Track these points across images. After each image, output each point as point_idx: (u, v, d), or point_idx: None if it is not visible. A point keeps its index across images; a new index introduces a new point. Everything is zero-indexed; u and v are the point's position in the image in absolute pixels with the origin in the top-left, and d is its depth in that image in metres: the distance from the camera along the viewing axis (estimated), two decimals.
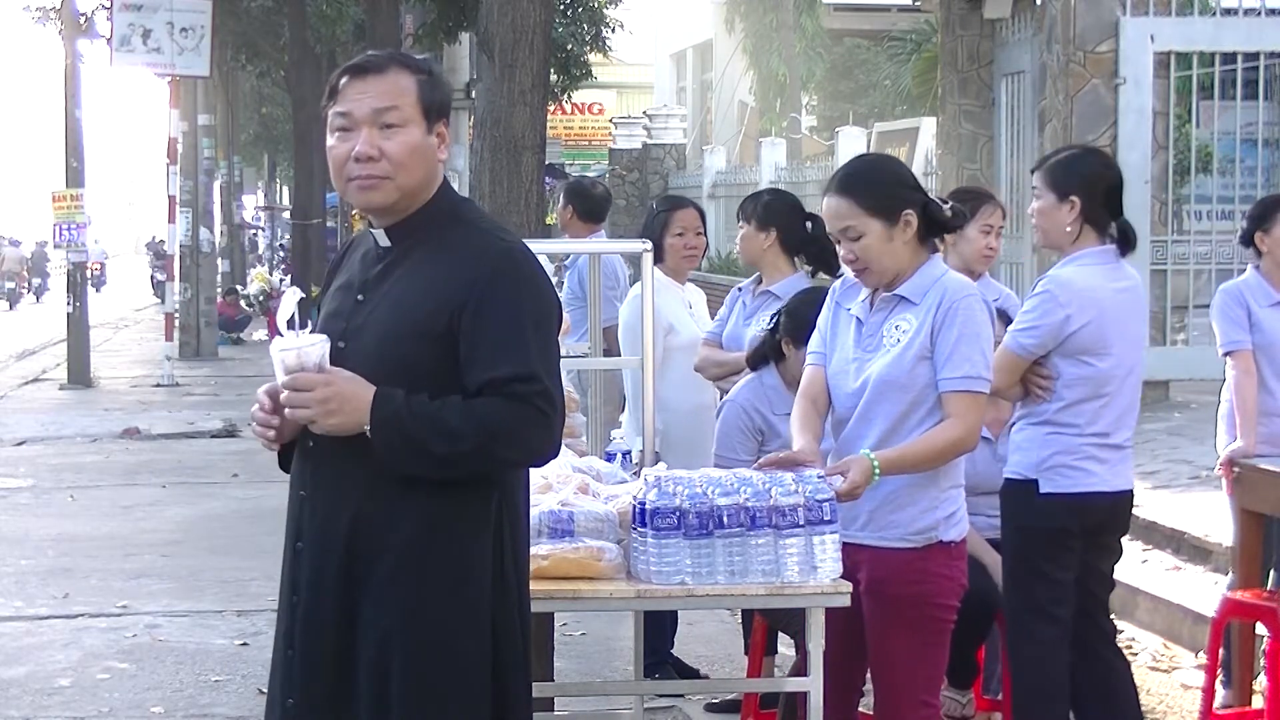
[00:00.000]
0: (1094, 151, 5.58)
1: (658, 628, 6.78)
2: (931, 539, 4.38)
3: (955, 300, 4.34)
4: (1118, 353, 5.20)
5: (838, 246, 4.51)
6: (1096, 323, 5.16)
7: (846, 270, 4.59)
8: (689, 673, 6.92)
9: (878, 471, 4.27)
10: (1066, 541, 5.21)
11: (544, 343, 3.44)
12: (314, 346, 3.41)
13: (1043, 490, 5.17)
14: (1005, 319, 5.70)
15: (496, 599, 3.45)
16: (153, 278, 45.66)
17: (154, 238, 50.86)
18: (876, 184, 4.46)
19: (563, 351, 5.73)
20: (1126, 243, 5.28)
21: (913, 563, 4.37)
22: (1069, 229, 5.24)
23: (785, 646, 6.55)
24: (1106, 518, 5.27)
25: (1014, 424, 5.38)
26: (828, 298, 4.67)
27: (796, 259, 6.52)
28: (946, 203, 4.54)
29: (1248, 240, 6.46)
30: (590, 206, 8.56)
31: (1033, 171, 5.42)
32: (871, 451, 4.30)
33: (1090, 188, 5.23)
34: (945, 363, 4.33)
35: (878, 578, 4.35)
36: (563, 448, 4.79)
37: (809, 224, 6.46)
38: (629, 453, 5.27)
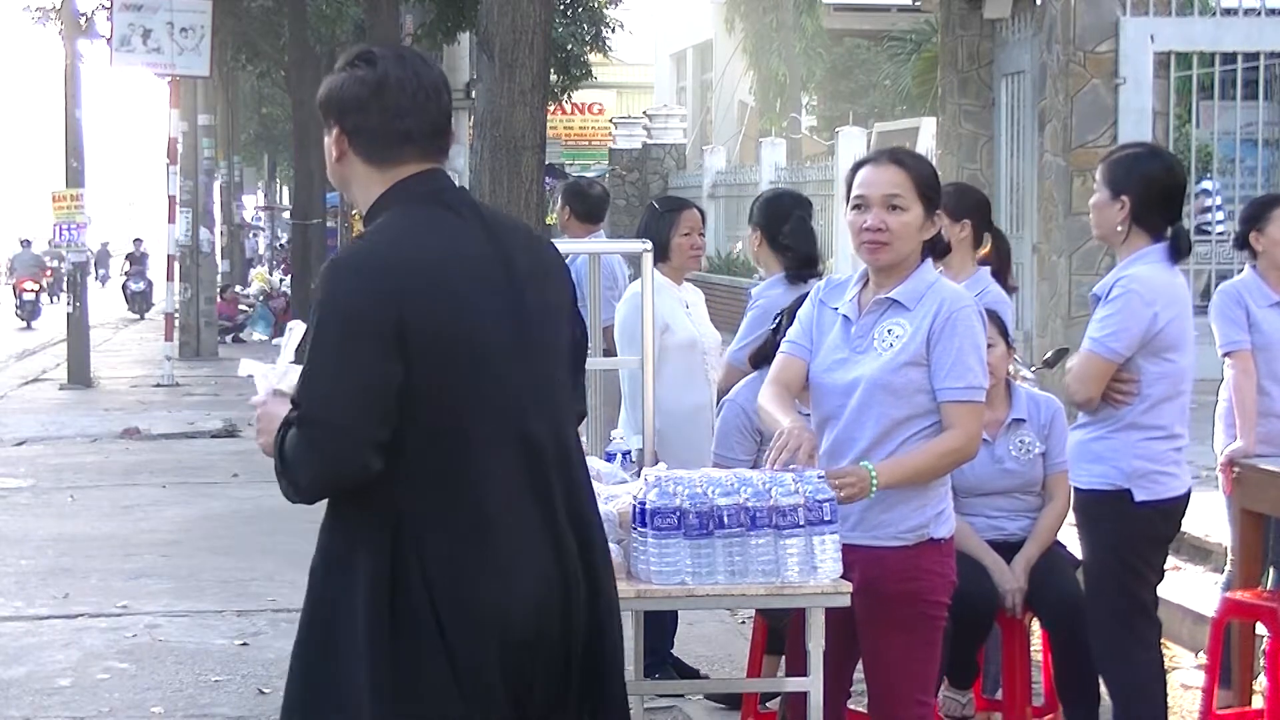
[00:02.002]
0: (1158, 154, 5.50)
1: (658, 628, 6.79)
2: (924, 536, 4.39)
3: (955, 309, 4.34)
4: (1189, 349, 5.23)
5: (856, 213, 4.45)
6: (1179, 319, 5.18)
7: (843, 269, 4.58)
8: (689, 673, 6.92)
9: (874, 486, 4.28)
10: (1161, 546, 5.29)
11: (314, 360, 3.24)
12: (274, 372, 3.42)
13: (1138, 499, 5.18)
14: (995, 318, 5.69)
15: (390, 630, 3.22)
16: (125, 287, 38.91)
17: (136, 242, 41.39)
18: (929, 171, 4.50)
19: None
20: (1177, 249, 5.26)
21: (906, 560, 4.38)
22: (1119, 228, 5.24)
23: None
24: (1183, 516, 5.36)
25: (1080, 428, 5.36)
26: (810, 295, 4.65)
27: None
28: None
29: (1242, 243, 6.45)
30: (588, 207, 8.55)
31: (1100, 162, 5.44)
32: (868, 460, 4.31)
33: (1143, 189, 5.20)
34: (947, 373, 4.32)
35: (871, 577, 4.35)
36: None
37: (785, 225, 6.53)
38: (629, 453, 5.27)
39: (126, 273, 39.39)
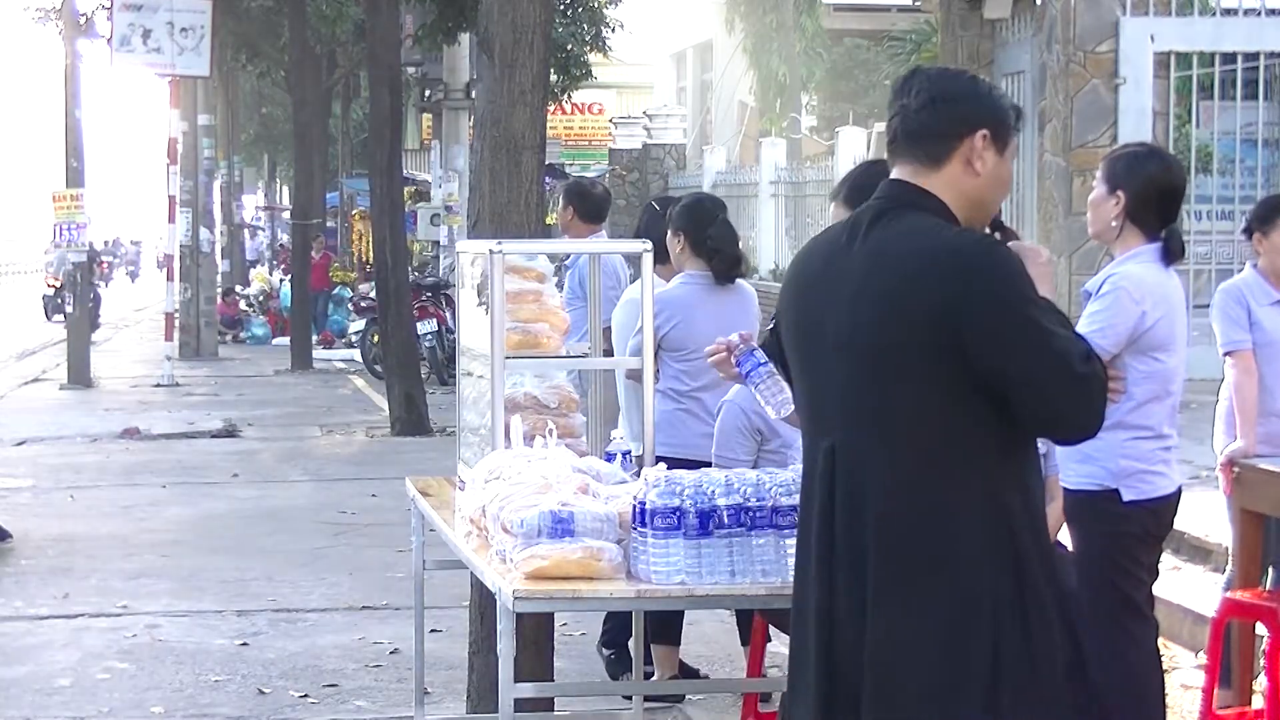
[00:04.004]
0: (1158, 154, 5.51)
1: (622, 616, 6.88)
2: None
3: None
4: (1179, 349, 5.22)
5: None
6: (1168, 318, 5.17)
7: None
8: (689, 673, 6.92)
9: None
10: (1151, 544, 5.28)
11: None
12: None
13: (1126, 499, 5.19)
14: None
15: None
16: (55, 300, 31.25)
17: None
18: None
19: (562, 351, 5.78)
20: (1169, 250, 5.25)
21: None
22: (1113, 223, 5.25)
23: (786, 646, 6.54)
24: (1174, 515, 5.36)
25: None
26: None
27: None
28: None
29: (1249, 233, 6.46)
30: (590, 207, 8.55)
31: (1102, 160, 5.46)
32: None
33: (1140, 186, 5.21)
34: None
35: None
36: (563, 448, 4.83)
37: (710, 229, 6.57)
38: (629, 452, 5.27)
39: (64, 277, 29.83)
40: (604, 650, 7.15)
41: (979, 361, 3.29)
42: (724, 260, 6.59)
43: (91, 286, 31.91)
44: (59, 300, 36.35)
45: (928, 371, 3.31)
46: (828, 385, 3.45)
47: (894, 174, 3.51)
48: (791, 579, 4.20)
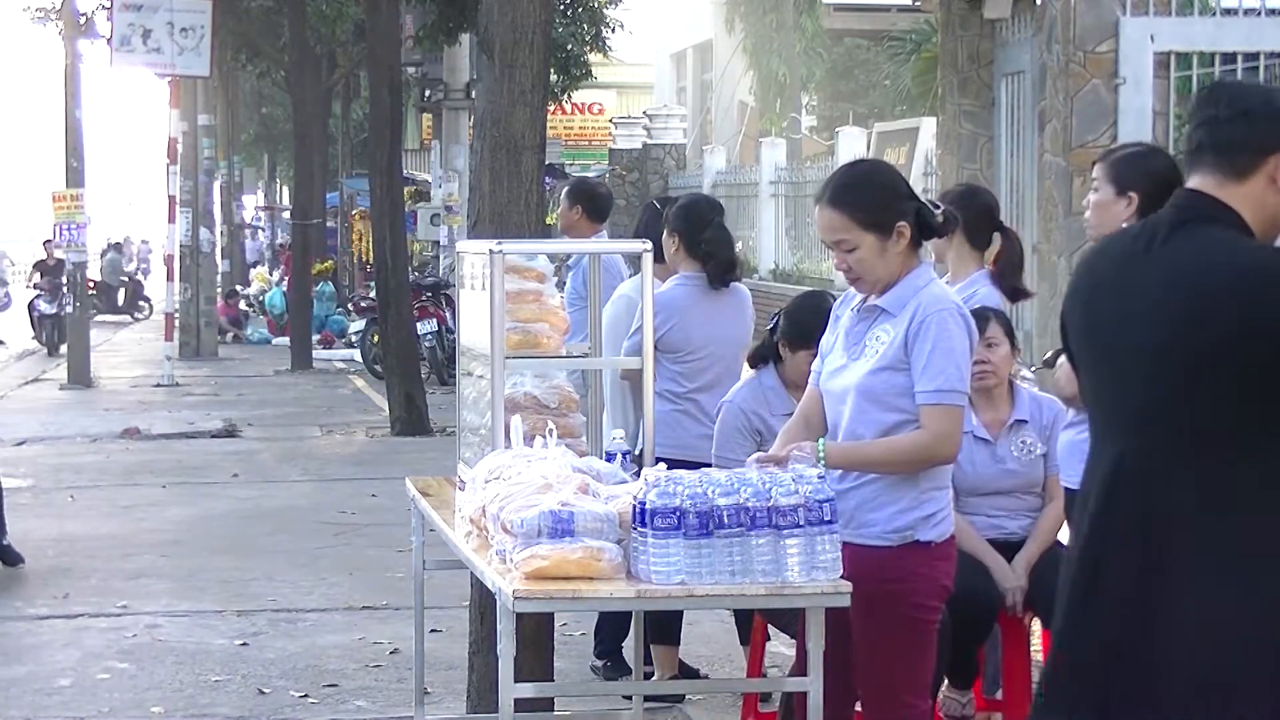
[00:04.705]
0: (1159, 151, 5.51)
1: (613, 626, 6.87)
2: (907, 538, 4.40)
3: (929, 313, 4.36)
4: None
5: (831, 252, 4.52)
6: None
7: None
8: (689, 673, 6.93)
9: (822, 456, 4.30)
10: None
11: None
12: None
13: None
14: (1001, 319, 5.71)
15: None
16: (32, 308, 27.81)
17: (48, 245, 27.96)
18: (870, 196, 4.44)
19: (562, 351, 5.78)
20: None
21: (886, 561, 4.39)
22: (1124, 224, 5.23)
23: (786, 646, 6.55)
24: None
25: (1070, 428, 5.37)
26: (833, 309, 4.70)
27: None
28: (939, 206, 4.53)
29: None
30: (598, 207, 8.55)
31: (1094, 164, 5.42)
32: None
33: (1151, 186, 5.18)
34: (919, 376, 4.36)
35: (854, 574, 4.35)
36: (563, 448, 4.83)
37: (706, 232, 6.59)
38: (629, 453, 5.27)
39: (36, 286, 28.20)
40: (597, 661, 7.15)
41: None
42: (718, 264, 6.59)
43: (57, 292, 30.89)
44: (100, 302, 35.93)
45: (1229, 383, 3.34)
46: (1120, 393, 3.48)
47: (1191, 183, 3.54)
48: (790, 579, 4.24)
